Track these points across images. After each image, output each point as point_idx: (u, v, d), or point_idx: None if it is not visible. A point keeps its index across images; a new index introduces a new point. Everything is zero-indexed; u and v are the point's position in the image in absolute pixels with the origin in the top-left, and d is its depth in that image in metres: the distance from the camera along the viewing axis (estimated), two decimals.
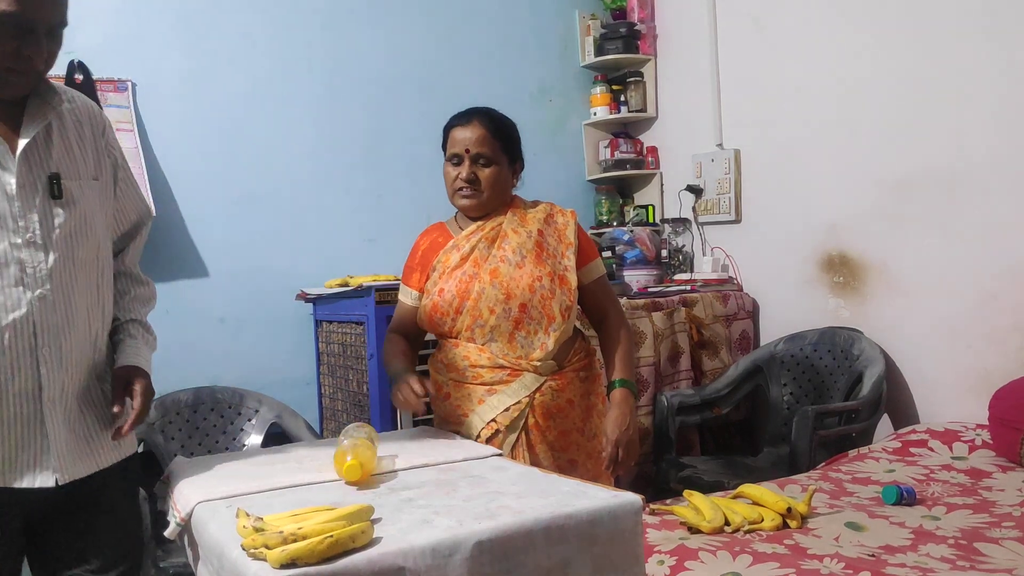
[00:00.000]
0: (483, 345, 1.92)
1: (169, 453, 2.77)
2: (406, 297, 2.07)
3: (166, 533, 1.44)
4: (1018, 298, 2.86)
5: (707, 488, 2.55)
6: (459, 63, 3.81)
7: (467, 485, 1.41)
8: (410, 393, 1.80)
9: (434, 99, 3.58)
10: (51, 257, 1.39)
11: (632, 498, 1.26)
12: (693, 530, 2.13)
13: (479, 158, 1.96)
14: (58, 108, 1.43)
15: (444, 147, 2.04)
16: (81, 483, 1.44)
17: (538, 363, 1.91)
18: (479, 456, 1.64)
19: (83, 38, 2.82)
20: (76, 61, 2.85)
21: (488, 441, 1.88)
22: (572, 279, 1.97)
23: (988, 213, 2.93)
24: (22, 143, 1.38)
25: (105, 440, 1.48)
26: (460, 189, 1.97)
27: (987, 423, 2.72)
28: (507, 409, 1.89)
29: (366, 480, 1.46)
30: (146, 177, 2.97)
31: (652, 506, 2.33)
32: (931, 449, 2.78)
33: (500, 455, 1.66)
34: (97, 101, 2.72)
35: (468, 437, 1.89)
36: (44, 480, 1.39)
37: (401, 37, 3.69)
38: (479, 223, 2.00)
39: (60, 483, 1.40)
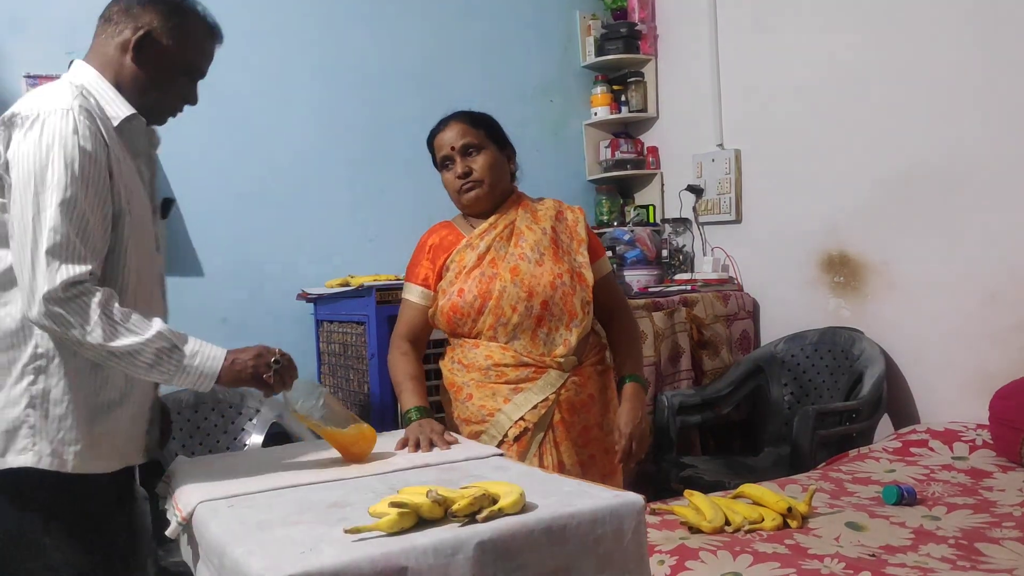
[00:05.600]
0: (506, 344, 1.92)
1: (170, 453, 2.77)
2: (413, 295, 2.02)
3: (167, 532, 1.44)
4: (1019, 297, 2.86)
5: (708, 488, 2.55)
6: (460, 62, 3.81)
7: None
8: (441, 442, 1.71)
9: (435, 98, 3.54)
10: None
11: (634, 498, 1.26)
12: (694, 530, 2.13)
13: (467, 149, 1.98)
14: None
15: (435, 162, 2.06)
16: (128, 471, 1.56)
17: (561, 359, 1.92)
18: (480, 456, 1.63)
19: (85, 38, 2.81)
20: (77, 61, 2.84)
21: (517, 440, 1.88)
22: (589, 276, 1.98)
23: (989, 212, 2.92)
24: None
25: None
26: (461, 187, 1.98)
27: (987, 423, 2.72)
28: (535, 407, 1.90)
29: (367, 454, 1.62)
30: None
31: (652, 506, 2.33)
32: (931, 449, 2.78)
33: (501, 455, 1.66)
34: None
35: (495, 437, 1.89)
36: (139, 457, 1.56)
37: (402, 36, 3.69)
38: (491, 220, 2.00)
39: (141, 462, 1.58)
